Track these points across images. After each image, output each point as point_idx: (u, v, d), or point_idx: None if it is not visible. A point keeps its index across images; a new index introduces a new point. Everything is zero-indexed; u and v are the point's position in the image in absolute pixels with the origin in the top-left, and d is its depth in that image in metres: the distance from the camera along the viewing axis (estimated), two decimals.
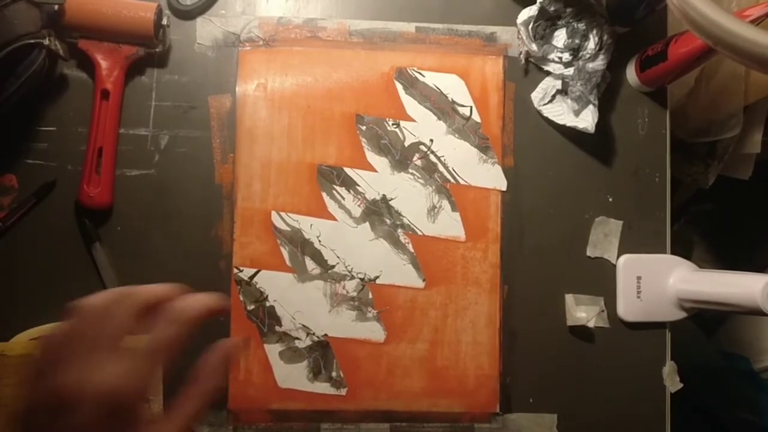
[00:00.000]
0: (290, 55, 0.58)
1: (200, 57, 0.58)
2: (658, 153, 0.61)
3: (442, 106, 0.59)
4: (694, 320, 0.89)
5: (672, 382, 0.59)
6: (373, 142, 0.58)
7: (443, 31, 0.60)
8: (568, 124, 0.58)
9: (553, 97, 0.59)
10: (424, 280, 0.58)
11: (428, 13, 0.61)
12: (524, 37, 0.59)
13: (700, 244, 1.16)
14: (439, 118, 0.59)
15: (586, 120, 0.57)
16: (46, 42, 0.51)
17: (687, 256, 0.60)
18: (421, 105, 0.59)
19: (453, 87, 0.59)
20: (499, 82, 0.60)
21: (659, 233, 0.61)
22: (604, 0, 0.58)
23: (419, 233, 0.58)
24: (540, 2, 0.58)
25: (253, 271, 0.57)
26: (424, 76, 0.59)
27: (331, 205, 0.57)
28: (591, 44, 0.58)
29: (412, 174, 0.58)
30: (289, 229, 0.57)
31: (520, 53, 0.60)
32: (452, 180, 0.58)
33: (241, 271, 0.57)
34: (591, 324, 0.58)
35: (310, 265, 0.57)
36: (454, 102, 0.59)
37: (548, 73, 0.60)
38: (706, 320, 1.03)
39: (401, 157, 0.58)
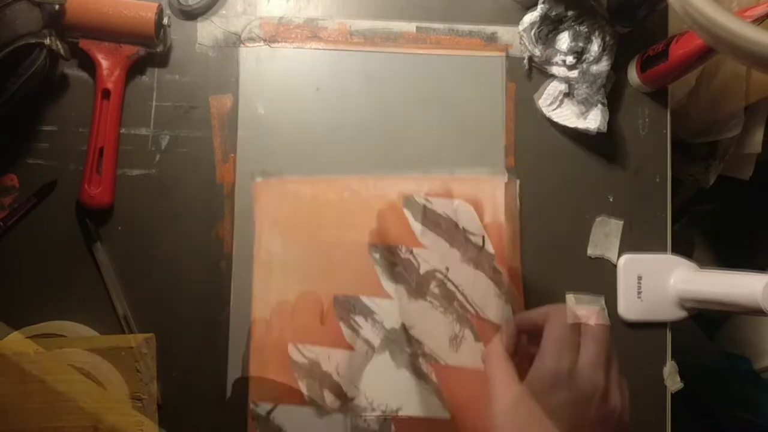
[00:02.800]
0: (301, 186, 0.57)
1: (201, 57, 0.58)
2: (658, 153, 0.61)
3: (453, 234, 0.55)
4: (694, 320, 0.89)
5: (672, 382, 0.59)
6: (388, 270, 0.56)
7: (444, 31, 0.60)
8: (580, 126, 0.58)
9: (561, 101, 0.59)
10: (448, 411, 0.55)
11: (429, 13, 0.61)
12: (527, 42, 0.59)
13: (700, 244, 1.16)
14: (452, 246, 0.54)
15: (596, 120, 0.57)
16: (47, 42, 0.51)
17: (688, 255, 0.60)
18: (432, 232, 0.55)
19: (462, 213, 0.55)
20: (513, 211, 0.58)
21: (660, 233, 0.61)
22: (604, 0, 0.58)
23: (442, 363, 0.54)
24: (542, 7, 0.58)
25: (270, 406, 0.55)
26: (431, 203, 0.55)
27: (349, 335, 0.56)
28: (594, 46, 0.58)
29: (430, 302, 0.54)
30: (306, 361, 0.55)
31: (524, 58, 0.60)
32: (472, 311, 0.54)
33: (258, 406, 0.55)
34: (591, 323, 0.57)
35: (328, 398, 0.55)
36: (465, 230, 0.55)
37: (552, 77, 0.60)
38: (707, 320, 1.03)
39: (417, 285, 0.54)
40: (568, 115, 0.59)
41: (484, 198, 0.57)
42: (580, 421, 0.40)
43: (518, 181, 0.59)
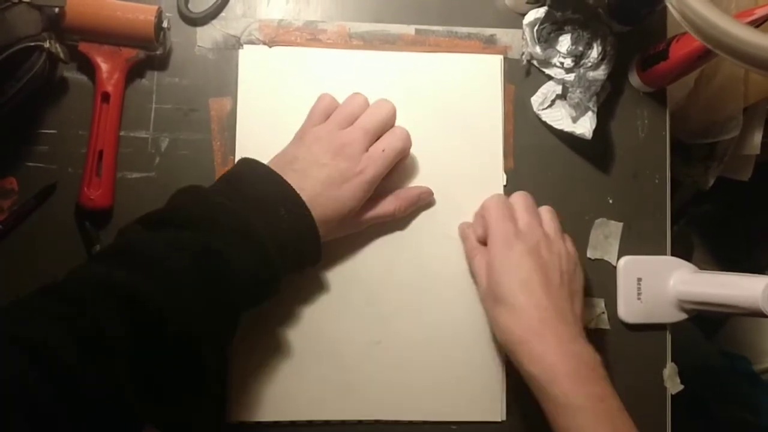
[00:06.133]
0: None
1: (200, 60, 0.58)
2: (658, 155, 0.61)
3: None
4: (694, 321, 0.89)
5: (672, 384, 0.59)
6: None
7: (443, 33, 0.60)
8: (566, 129, 0.58)
9: (553, 102, 0.59)
10: None
11: (428, 16, 0.61)
12: (528, 39, 0.59)
13: (700, 246, 1.16)
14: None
15: (584, 126, 0.57)
16: (47, 45, 0.51)
17: (687, 257, 0.60)
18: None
19: None
20: None
21: (659, 235, 0.61)
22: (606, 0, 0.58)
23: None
24: (548, 5, 0.58)
25: None
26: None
27: None
28: (594, 53, 0.58)
29: None
30: None
31: (522, 54, 0.60)
32: None
33: None
34: (591, 326, 0.58)
35: None
36: None
37: (549, 77, 0.60)
38: (707, 321, 1.04)
39: None
40: (557, 117, 0.59)
41: None
42: (540, 265, 0.50)
43: (505, 56, 0.61)
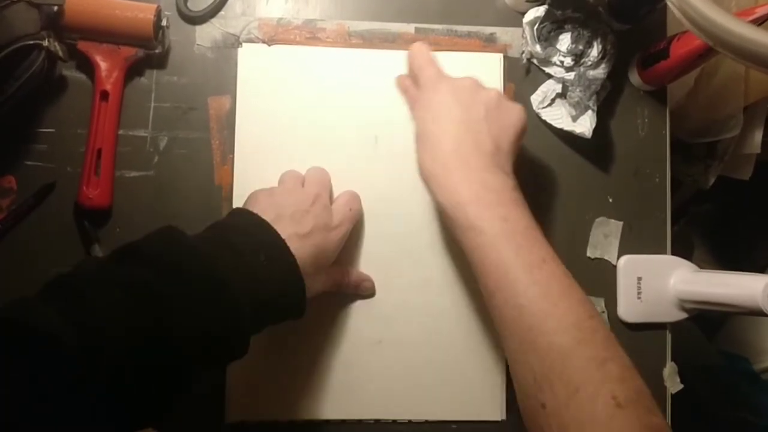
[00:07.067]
0: None
1: (199, 58, 0.58)
2: (658, 153, 0.61)
3: None
4: (694, 321, 0.89)
5: (672, 383, 0.59)
6: None
7: (442, 32, 0.60)
8: (566, 128, 0.58)
9: (553, 100, 0.59)
10: None
11: (427, 14, 0.61)
12: (528, 37, 0.59)
13: (700, 245, 1.16)
14: None
15: (584, 125, 0.57)
16: (46, 43, 0.51)
17: (687, 256, 0.60)
18: None
19: None
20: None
21: (659, 234, 0.61)
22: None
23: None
24: (548, 4, 0.58)
25: None
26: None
27: None
28: (594, 52, 0.58)
29: None
30: None
31: (522, 52, 0.60)
32: None
33: None
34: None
35: None
36: None
37: (549, 76, 0.60)
38: (707, 321, 1.03)
39: None
40: (557, 116, 0.59)
41: None
42: (461, 101, 0.49)
43: (504, 55, 0.61)
